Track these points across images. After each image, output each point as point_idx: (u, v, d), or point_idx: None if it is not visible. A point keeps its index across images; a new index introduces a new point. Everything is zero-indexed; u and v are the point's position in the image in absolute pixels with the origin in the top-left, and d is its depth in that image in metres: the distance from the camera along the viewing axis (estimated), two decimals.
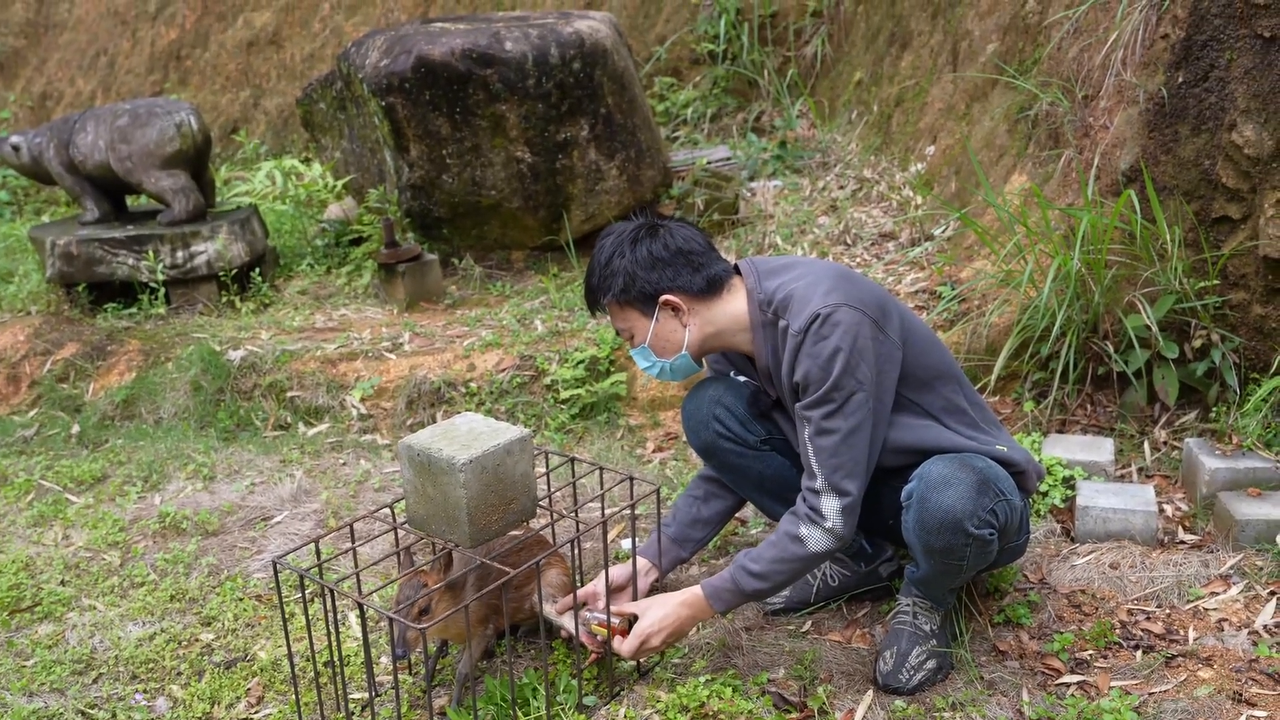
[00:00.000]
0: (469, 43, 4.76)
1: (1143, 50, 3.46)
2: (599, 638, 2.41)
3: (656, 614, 2.37)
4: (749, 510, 3.21)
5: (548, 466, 2.67)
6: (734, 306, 2.38)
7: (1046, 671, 2.47)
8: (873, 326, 2.23)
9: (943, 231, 4.53)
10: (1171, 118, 3.30)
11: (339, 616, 2.83)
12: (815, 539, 2.28)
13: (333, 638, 2.34)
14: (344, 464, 3.84)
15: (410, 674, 2.60)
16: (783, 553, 2.31)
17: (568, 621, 2.43)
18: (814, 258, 2.71)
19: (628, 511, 3.21)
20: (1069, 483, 3.16)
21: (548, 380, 4.06)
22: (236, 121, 8.33)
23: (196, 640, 2.79)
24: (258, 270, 5.23)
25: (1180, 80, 3.27)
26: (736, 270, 2.43)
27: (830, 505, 2.26)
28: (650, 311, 2.37)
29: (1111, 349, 3.39)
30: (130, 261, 5.03)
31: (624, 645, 2.35)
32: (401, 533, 2.54)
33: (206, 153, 5.30)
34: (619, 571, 2.61)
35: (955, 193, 4.62)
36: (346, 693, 2.42)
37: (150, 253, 5.00)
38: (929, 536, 2.23)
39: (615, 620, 2.40)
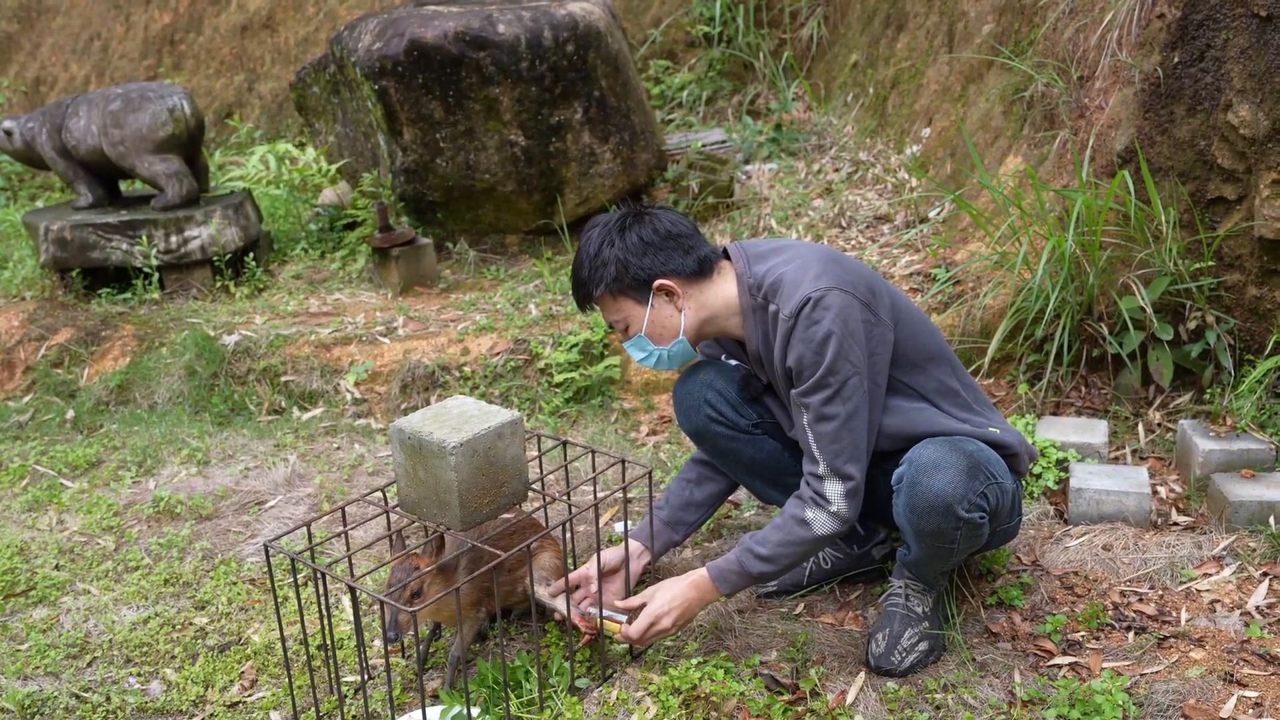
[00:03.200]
0: (462, 25, 4.73)
1: (1138, 30, 3.44)
2: (592, 620, 2.41)
3: (666, 595, 2.37)
4: (742, 493, 3.21)
5: (540, 449, 2.66)
6: (725, 290, 2.37)
7: (1039, 653, 2.47)
8: (863, 309, 2.22)
9: (938, 214, 4.52)
10: (1167, 98, 3.29)
11: (332, 600, 2.83)
12: (821, 522, 2.28)
13: (325, 621, 2.34)
14: (338, 448, 3.84)
15: (403, 657, 2.60)
16: (789, 536, 2.31)
17: (560, 604, 2.43)
18: (803, 240, 2.70)
19: (620, 494, 3.21)
20: (1062, 465, 3.16)
21: (541, 364, 4.05)
22: (230, 106, 8.29)
23: (190, 624, 2.80)
24: (252, 255, 5.22)
25: (1176, 60, 3.25)
26: (726, 254, 2.42)
27: (834, 490, 2.26)
28: (645, 298, 2.36)
29: (1106, 331, 3.38)
30: (124, 246, 5.01)
31: (633, 627, 2.35)
32: (394, 516, 2.53)
33: (200, 137, 5.28)
34: (611, 554, 2.61)
35: (950, 175, 4.60)
36: (339, 676, 2.42)
37: (144, 238, 4.98)
38: (920, 520, 2.23)
39: (623, 617, 2.40)
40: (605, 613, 2.42)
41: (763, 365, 2.42)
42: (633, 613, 2.40)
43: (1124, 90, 3.47)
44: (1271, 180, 3.03)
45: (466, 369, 4.10)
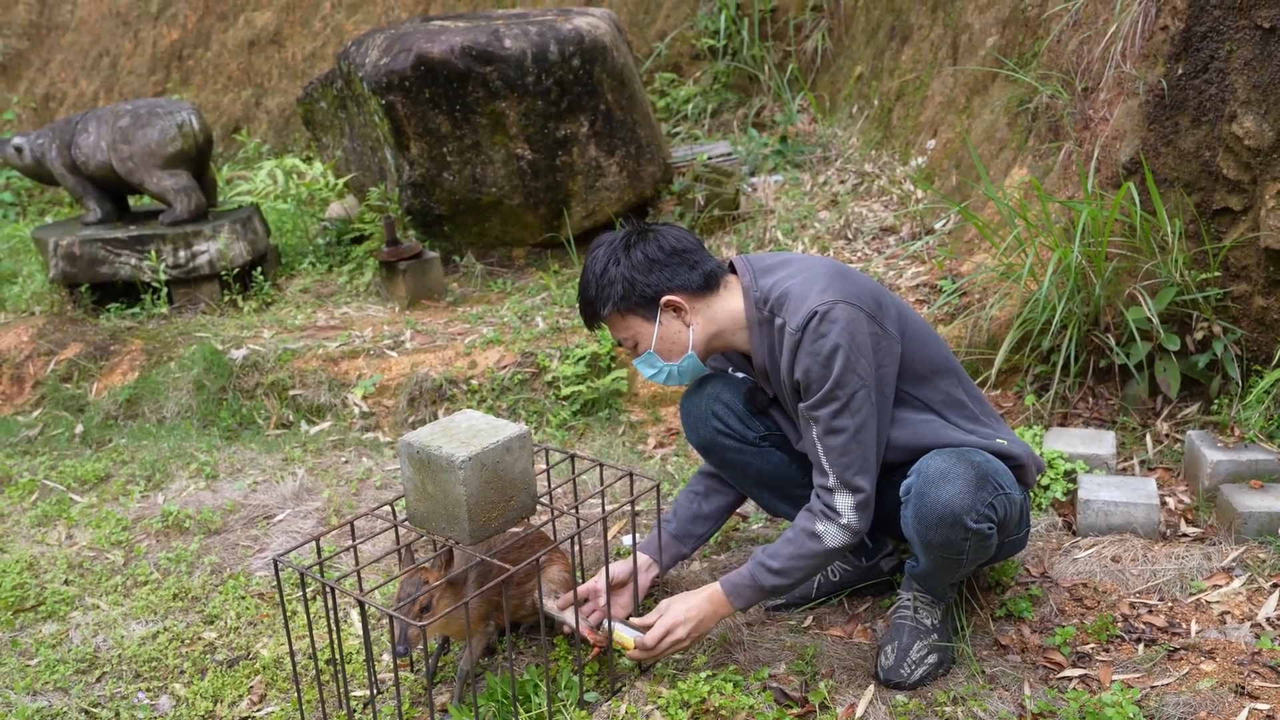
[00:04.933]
0: (468, 40, 4.76)
1: (1142, 42, 3.45)
2: (600, 632, 2.41)
3: (681, 607, 2.37)
4: (750, 506, 3.21)
5: (548, 463, 2.67)
6: (732, 304, 2.37)
7: (1048, 665, 2.46)
8: (869, 321, 2.23)
9: (943, 225, 4.53)
10: (1171, 109, 3.29)
11: (340, 614, 2.83)
12: (832, 535, 2.28)
13: (334, 635, 2.34)
14: (346, 462, 3.85)
15: (412, 671, 2.60)
16: (800, 549, 2.32)
17: (569, 617, 2.43)
18: (808, 254, 2.71)
19: (628, 507, 3.21)
20: (1070, 476, 3.16)
21: (549, 377, 4.06)
22: (238, 121, 8.34)
23: (199, 639, 2.80)
24: (260, 269, 5.24)
25: (1180, 72, 3.26)
26: (731, 268, 2.42)
27: (844, 502, 2.27)
28: (652, 316, 2.37)
29: (1113, 341, 3.38)
30: (133, 261, 5.04)
31: (648, 636, 2.35)
32: (402, 530, 2.54)
33: (208, 152, 5.31)
34: (619, 567, 2.61)
35: (956, 186, 4.61)
36: (348, 690, 2.43)
37: (152, 252, 5.01)
38: (928, 531, 2.23)
39: (630, 633, 2.39)
40: (616, 627, 2.42)
41: (768, 378, 2.42)
42: (647, 628, 2.40)
43: (1128, 102, 3.48)
44: (1277, 191, 3.03)
45: (474, 382, 4.11)
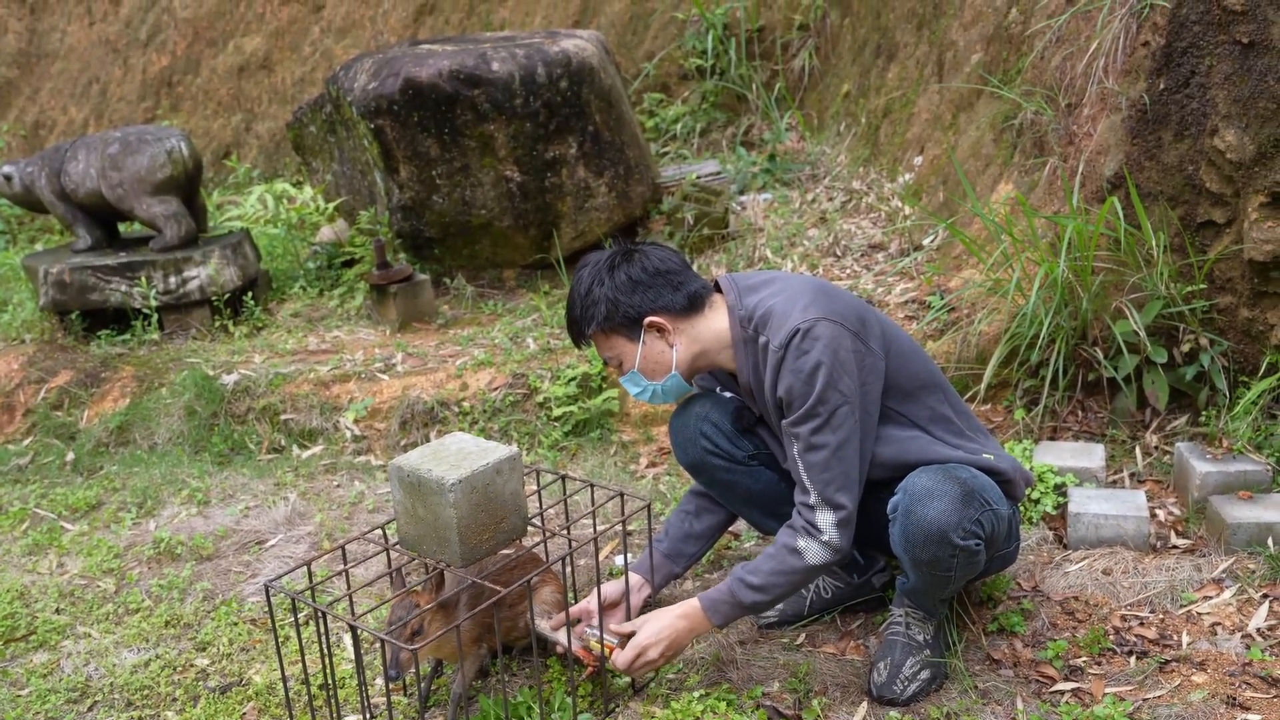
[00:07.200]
0: (456, 64, 4.79)
1: (1124, 58, 3.49)
2: (594, 652, 2.41)
3: (654, 626, 2.37)
4: (741, 524, 3.21)
5: (539, 484, 2.67)
6: (717, 323, 2.39)
7: (1040, 679, 2.47)
8: (853, 339, 2.24)
9: (931, 241, 4.55)
10: (1154, 124, 3.32)
11: (333, 639, 2.83)
12: (813, 551, 2.28)
13: (326, 660, 2.34)
14: (338, 486, 3.85)
15: (404, 695, 2.59)
16: (780, 565, 2.31)
17: (562, 637, 2.43)
18: (793, 272, 2.73)
19: (620, 527, 3.21)
20: (1061, 489, 3.17)
21: (540, 398, 4.06)
22: (228, 146, 8.36)
23: (191, 666, 2.79)
24: (250, 294, 5.25)
25: (1162, 87, 3.29)
26: (717, 287, 2.44)
27: (826, 519, 2.27)
28: (636, 336, 2.38)
29: (1101, 355, 3.40)
30: (123, 288, 5.04)
31: (620, 657, 2.35)
32: (394, 553, 2.54)
33: (198, 178, 5.32)
34: (612, 588, 2.61)
35: (943, 203, 4.64)
36: (341, 715, 2.42)
37: (143, 279, 5.01)
38: (915, 549, 2.24)
39: (614, 640, 2.40)
40: (593, 633, 2.42)
41: (754, 397, 2.43)
42: (625, 638, 2.40)
43: (1111, 117, 3.51)
44: (1259, 203, 3.06)
45: (465, 404, 4.11)
